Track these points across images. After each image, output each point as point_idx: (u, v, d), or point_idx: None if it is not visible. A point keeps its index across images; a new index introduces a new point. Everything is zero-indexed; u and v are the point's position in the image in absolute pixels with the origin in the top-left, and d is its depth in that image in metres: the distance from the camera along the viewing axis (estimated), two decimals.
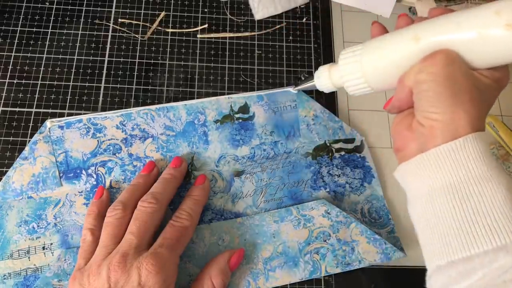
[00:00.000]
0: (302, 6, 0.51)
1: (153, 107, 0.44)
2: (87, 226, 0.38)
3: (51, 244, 0.40)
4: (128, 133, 0.43)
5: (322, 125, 0.45)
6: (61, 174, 0.41)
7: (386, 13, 0.45)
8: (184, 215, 0.37)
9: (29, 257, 0.39)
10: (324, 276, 0.40)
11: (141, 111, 0.44)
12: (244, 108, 0.45)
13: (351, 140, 0.45)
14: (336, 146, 0.45)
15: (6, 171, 0.41)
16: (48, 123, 0.42)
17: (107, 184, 0.41)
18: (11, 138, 0.43)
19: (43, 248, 0.39)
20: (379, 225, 0.42)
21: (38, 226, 0.40)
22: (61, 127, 0.42)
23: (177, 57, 0.48)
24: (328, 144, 0.45)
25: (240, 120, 0.44)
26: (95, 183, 0.41)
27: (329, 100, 0.47)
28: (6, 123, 0.43)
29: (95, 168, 0.41)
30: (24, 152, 0.41)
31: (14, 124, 0.43)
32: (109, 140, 0.42)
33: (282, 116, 0.45)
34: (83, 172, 0.41)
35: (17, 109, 0.44)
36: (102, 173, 0.41)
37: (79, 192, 0.41)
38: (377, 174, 0.44)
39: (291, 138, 0.44)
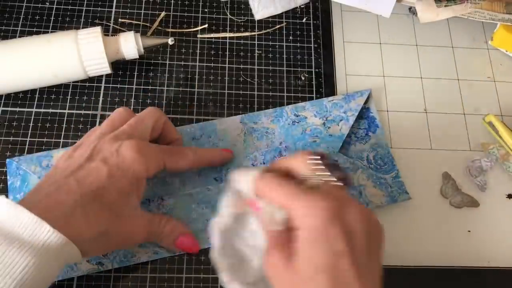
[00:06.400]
0: (302, 6, 0.52)
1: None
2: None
3: None
4: None
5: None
6: None
7: (386, 13, 0.45)
8: (191, 149, 0.40)
9: None
10: None
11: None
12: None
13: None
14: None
15: (6, 171, 0.41)
16: None
17: None
18: (11, 138, 0.43)
19: None
20: (384, 171, 0.44)
21: None
22: None
23: (177, 57, 0.48)
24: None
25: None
26: None
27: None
28: (6, 123, 0.43)
29: None
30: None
31: (14, 124, 0.43)
32: None
33: None
34: None
35: (17, 109, 0.44)
36: None
37: None
38: (381, 124, 0.46)
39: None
